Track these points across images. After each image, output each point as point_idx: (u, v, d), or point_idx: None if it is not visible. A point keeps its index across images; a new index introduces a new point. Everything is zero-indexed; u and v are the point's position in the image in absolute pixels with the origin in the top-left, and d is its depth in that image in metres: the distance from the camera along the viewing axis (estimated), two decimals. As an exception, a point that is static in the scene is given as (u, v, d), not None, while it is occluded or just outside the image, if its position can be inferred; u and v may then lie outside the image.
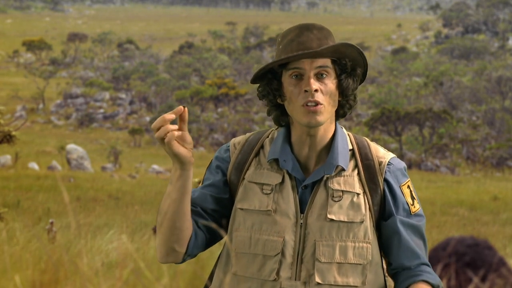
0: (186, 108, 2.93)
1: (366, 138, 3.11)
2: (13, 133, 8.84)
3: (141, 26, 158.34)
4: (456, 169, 48.27)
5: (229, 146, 3.12)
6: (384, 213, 3.04)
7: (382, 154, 3.07)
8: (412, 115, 51.25)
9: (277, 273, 2.97)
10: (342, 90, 2.99)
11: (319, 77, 2.96)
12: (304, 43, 2.96)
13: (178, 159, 2.92)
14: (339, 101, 3.00)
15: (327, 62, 2.97)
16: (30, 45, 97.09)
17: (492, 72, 71.27)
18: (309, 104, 2.93)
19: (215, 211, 3.09)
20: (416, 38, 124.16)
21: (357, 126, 55.77)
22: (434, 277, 3.03)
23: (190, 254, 3.05)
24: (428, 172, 45.91)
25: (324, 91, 2.95)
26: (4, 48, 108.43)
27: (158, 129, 2.90)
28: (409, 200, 3.05)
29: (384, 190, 3.03)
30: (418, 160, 50.19)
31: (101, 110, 68.53)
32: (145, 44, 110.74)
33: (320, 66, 2.95)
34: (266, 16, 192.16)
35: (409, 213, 3.05)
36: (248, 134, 3.15)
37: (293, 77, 2.97)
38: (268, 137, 3.12)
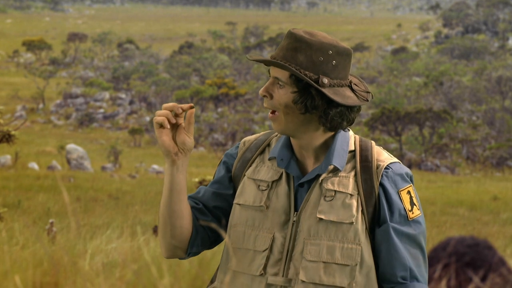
0: (193, 109, 2.98)
1: (373, 142, 3.07)
2: (13, 132, 8.83)
3: (141, 26, 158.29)
4: (456, 169, 48.26)
5: (240, 143, 3.16)
6: (378, 218, 2.99)
7: (383, 158, 3.03)
8: (412, 115, 51.24)
9: (264, 269, 2.98)
10: (304, 105, 2.94)
11: (278, 86, 2.97)
12: (278, 49, 2.98)
13: (160, 147, 2.97)
14: (320, 115, 2.96)
15: (283, 74, 2.95)
16: (30, 45, 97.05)
17: (492, 72, 71.23)
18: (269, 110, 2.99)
19: (218, 208, 3.12)
20: (416, 38, 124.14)
21: (357, 126, 55.73)
22: None
23: (191, 251, 3.08)
24: (428, 172, 45.91)
25: (277, 100, 2.96)
26: (4, 48, 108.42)
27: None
28: (408, 206, 2.98)
29: (379, 195, 2.98)
30: (418, 160, 50.18)
31: (101, 110, 68.48)
32: (145, 44, 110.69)
33: (275, 77, 2.97)
34: (266, 16, 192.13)
35: (406, 218, 2.98)
36: (261, 133, 3.19)
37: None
38: (276, 135, 3.14)
